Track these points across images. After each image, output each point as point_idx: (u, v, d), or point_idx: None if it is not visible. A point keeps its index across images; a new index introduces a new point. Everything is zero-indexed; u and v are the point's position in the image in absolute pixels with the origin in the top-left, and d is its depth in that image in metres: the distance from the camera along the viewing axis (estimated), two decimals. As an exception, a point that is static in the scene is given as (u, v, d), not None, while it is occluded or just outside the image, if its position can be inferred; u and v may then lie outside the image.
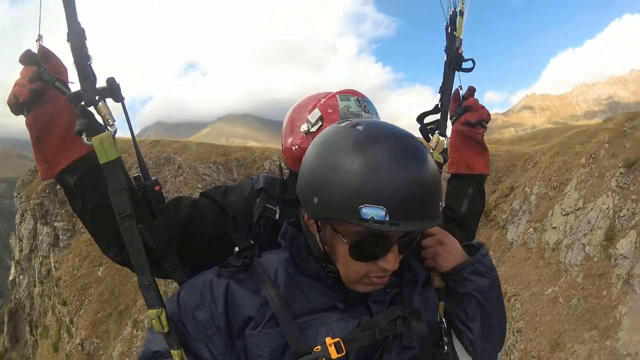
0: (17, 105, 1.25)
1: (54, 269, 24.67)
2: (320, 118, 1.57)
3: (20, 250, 29.85)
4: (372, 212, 1.01)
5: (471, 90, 1.92)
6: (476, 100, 1.92)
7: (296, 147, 1.61)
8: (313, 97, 1.70)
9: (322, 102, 1.62)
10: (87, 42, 1.18)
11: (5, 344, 34.26)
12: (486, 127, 1.94)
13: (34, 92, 1.24)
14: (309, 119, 1.59)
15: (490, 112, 1.96)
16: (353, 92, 1.67)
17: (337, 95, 1.63)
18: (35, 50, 1.25)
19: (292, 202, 1.49)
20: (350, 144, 1.08)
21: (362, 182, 1.02)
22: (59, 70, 1.29)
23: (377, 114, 1.68)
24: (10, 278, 34.05)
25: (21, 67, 1.27)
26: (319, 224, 1.18)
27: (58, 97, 1.27)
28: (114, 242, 1.36)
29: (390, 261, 1.13)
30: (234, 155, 19.74)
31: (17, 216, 30.61)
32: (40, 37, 1.23)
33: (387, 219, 1.01)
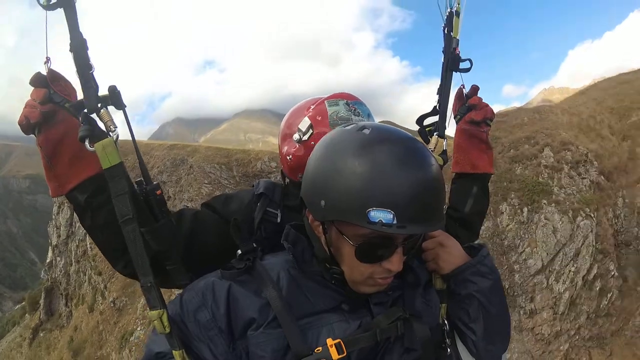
0: (28, 126, 1.27)
1: (89, 249, 29.06)
2: (310, 126, 1.61)
3: (58, 236, 34.69)
4: (380, 215, 1.03)
5: (474, 89, 1.90)
6: (480, 98, 1.89)
7: (290, 156, 1.66)
8: (304, 104, 1.75)
9: (311, 110, 1.66)
10: (89, 52, 1.22)
11: (41, 317, 39.61)
12: (490, 126, 1.93)
13: (45, 114, 1.26)
14: (300, 127, 1.63)
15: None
16: (342, 96, 1.69)
17: (325, 102, 1.66)
18: (44, 72, 1.28)
19: (293, 208, 1.57)
20: (357, 147, 1.09)
21: (370, 186, 1.04)
22: (69, 92, 1.32)
23: (369, 114, 1.70)
24: (48, 261, 39.26)
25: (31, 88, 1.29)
26: (325, 226, 1.19)
27: (68, 119, 1.30)
28: (122, 256, 1.40)
29: (395, 262, 1.15)
30: (234, 157, 24.73)
31: (55, 208, 35.48)
32: (48, 60, 1.26)
33: (395, 222, 1.03)
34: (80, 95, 1.28)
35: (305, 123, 1.64)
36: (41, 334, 38.58)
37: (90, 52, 1.23)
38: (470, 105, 1.88)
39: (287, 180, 1.79)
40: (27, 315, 51.57)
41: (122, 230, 1.19)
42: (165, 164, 27.16)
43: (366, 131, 1.13)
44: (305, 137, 1.63)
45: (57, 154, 1.31)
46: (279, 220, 1.59)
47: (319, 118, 1.63)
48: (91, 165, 1.32)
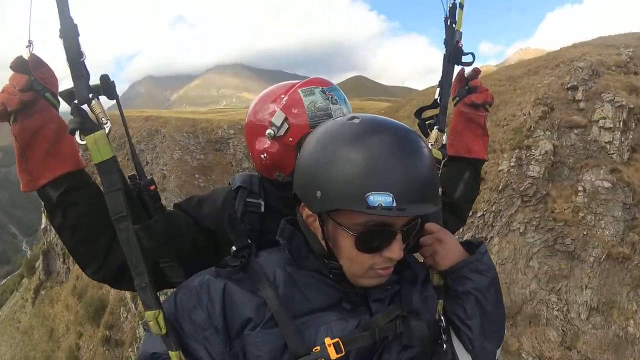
0: (4, 113, 1.23)
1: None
2: (285, 120, 1.49)
3: (50, 203, 40.45)
4: (380, 198, 1.03)
5: (476, 72, 1.91)
6: (481, 82, 1.90)
7: (265, 155, 1.54)
8: (271, 93, 1.60)
9: (284, 101, 1.52)
10: (80, 38, 1.16)
11: (40, 277, 44.39)
12: (488, 111, 1.93)
13: (24, 103, 1.22)
14: (274, 122, 1.50)
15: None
16: (315, 82, 1.57)
17: (298, 91, 1.52)
18: (26, 56, 1.22)
19: (273, 207, 1.55)
20: (350, 136, 1.10)
21: (367, 171, 1.05)
22: (50, 80, 1.27)
23: (346, 101, 1.60)
24: (42, 226, 43.98)
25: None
26: (322, 219, 1.18)
27: (47, 109, 1.27)
28: (92, 260, 1.36)
29: (396, 250, 1.15)
30: (200, 126, 29.73)
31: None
32: (30, 43, 1.20)
33: (394, 204, 1.03)
34: (63, 85, 1.20)
35: (279, 117, 1.49)
36: (42, 292, 44.01)
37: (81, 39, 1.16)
38: (470, 88, 1.88)
39: (261, 176, 1.65)
40: (24, 280, 56.96)
41: (115, 227, 1.16)
42: (142, 134, 32.55)
43: (356, 121, 1.15)
44: (281, 133, 1.49)
45: (31, 146, 1.26)
46: (262, 209, 1.55)
47: (295, 110, 1.49)
48: (67, 161, 1.28)
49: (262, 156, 1.55)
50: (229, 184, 1.67)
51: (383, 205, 1.04)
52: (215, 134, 29.73)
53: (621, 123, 17.87)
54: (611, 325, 15.52)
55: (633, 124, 18.34)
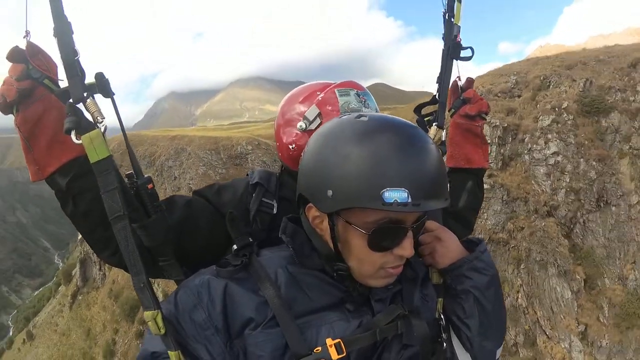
0: (5, 105, 1.24)
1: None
2: (319, 115, 1.54)
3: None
4: (395, 195, 1.02)
5: (470, 82, 1.92)
6: (475, 91, 1.92)
7: (293, 145, 1.59)
8: (307, 88, 1.66)
9: (319, 97, 1.58)
10: (74, 37, 1.16)
11: (78, 283, 48.61)
12: (486, 119, 1.94)
13: (22, 92, 1.22)
14: (307, 116, 1.56)
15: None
16: (352, 85, 1.63)
17: (335, 90, 1.59)
18: (23, 46, 1.22)
19: (288, 199, 1.54)
20: (360, 134, 1.10)
21: (380, 167, 1.04)
22: (48, 66, 1.27)
23: (376, 108, 1.65)
24: (79, 237, 48.59)
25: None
26: (331, 220, 1.17)
27: (47, 96, 1.27)
28: (107, 245, 1.37)
29: (407, 247, 1.15)
30: (221, 144, 33.58)
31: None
32: (27, 33, 1.21)
33: (410, 200, 1.03)
34: (65, 83, 1.21)
35: (313, 111, 1.55)
36: (80, 297, 48.23)
37: (75, 37, 1.16)
38: (465, 99, 1.89)
39: (282, 168, 1.71)
40: (61, 287, 61.24)
41: (112, 227, 1.16)
42: (169, 152, 37.11)
43: (364, 118, 1.14)
44: (312, 126, 1.54)
45: (35, 135, 1.27)
46: (274, 211, 1.56)
47: (329, 108, 1.55)
48: (72, 148, 1.25)
49: (291, 147, 1.59)
50: (247, 175, 1.68)
51: (399, 201, 1.03)
52: (235, 150, 33.81)
53: (497, 139, 23.88)
54: (506, 298, 18.64)
55: (510, 138, 23.91)
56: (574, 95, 19.53)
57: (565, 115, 19.85)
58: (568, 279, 18.43)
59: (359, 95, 1.61)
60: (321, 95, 1.59)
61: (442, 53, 1.86)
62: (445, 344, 1.37)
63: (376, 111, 1.62)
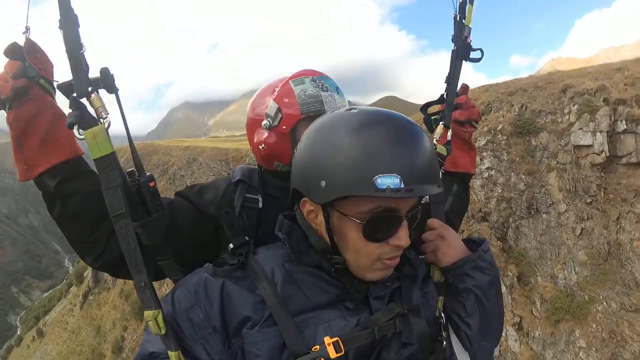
0: None
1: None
2: (279, 110, 1.56)
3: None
4: (388, 181, 1.03)
5: (464, 88, 1.93)
6: (467, 98, 1.96)
7: (263, 145, 1.60)
8: (267, 87, 1.69)
9: (275, 92, 1.60)
10: (80, 30, 1.14)
11: (89, 284, 50.83)
12: (475, 127, 1.98)
13: (17, 90, 1.21)
14: (268, 113, 1.57)
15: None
16: (306, 73, 1.64)
17: (289, 82, 1.60)
18: (21, 42, 1.21)
19: (271, 195, 1.58)
20: (351, 124, 1.11)
21: (372, 155, 1.05)
22: (45, 66, 1.26)
23: (337, 88, 1.65)
24: None
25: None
26: (326, 213, 1.17)
27: (41, 96, 1.26)
28: (92, 249, 1.35)
29: (403, 237, 1.15)
30: (230, 155, 35.39)
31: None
32: (27, 29, 1.19)
33: (402, 185, 1.04)
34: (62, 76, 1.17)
35: (272, 107, 1.57)
36: (91, 297, 50.52)
37: (81, 30, 1.14)
38: (456, 104, 1.89)
39: (262, 168, 1.71)
40: (72, 288, 63.38)
41: (113, 225, 1.14)
42: (182, 162, 39.88)
43: (354, 111, 1.16)
44: (275, 123, 1.56)
45: (27, 134, 1.25)
46: (260, 205, 1.57)
47: (286, 100, 1.57)
48: (63, 149, 1.27)
49: (260, 147, 1.61)
50: (228, 174, 1.69)
51: (392, 187, 1.03)
52: (244, 161, 36.01)
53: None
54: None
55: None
56: (510, 118, 21.15)
57: (499, 136, 21.31)
58: (501, 275, 19.71)
59: (314, 81, 1.61)
60: (278, 89, 1.61)
61: (452, 53, 1.84)
62: (444, 342, 1.36)
63: (337, 90, 1.65)
